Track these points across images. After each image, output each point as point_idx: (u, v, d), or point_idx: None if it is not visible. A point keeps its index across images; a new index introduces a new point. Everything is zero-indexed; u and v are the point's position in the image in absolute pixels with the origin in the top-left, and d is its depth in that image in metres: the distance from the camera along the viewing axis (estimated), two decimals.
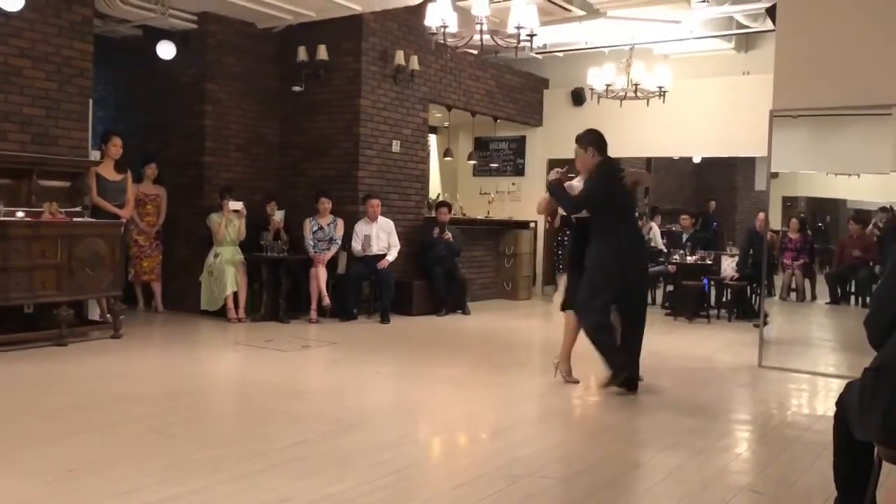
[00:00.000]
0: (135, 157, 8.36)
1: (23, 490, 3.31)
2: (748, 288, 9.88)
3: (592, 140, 5.64)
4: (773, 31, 7.43)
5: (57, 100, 7.17)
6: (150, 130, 9.06)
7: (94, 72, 7.57)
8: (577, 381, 5.74)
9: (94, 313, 7.41)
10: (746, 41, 10.76)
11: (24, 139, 6.96)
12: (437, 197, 11.59)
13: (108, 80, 9.18)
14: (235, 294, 8.32)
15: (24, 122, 6.95)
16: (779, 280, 9.68)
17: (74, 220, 6.84)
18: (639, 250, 5.77)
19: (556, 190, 5.65)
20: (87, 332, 7.01)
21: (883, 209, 9.41)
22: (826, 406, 5.39)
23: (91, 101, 7.53)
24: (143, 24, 8.57)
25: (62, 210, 6.79)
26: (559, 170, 5.80)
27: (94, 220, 7.16)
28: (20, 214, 6.45)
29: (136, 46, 9.00)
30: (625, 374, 5.42)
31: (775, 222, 9.32)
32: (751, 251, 9.57)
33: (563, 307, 5.86)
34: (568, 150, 12.27)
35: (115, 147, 7.81)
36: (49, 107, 7.13)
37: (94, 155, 7.71)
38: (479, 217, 11.44)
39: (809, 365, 6.82)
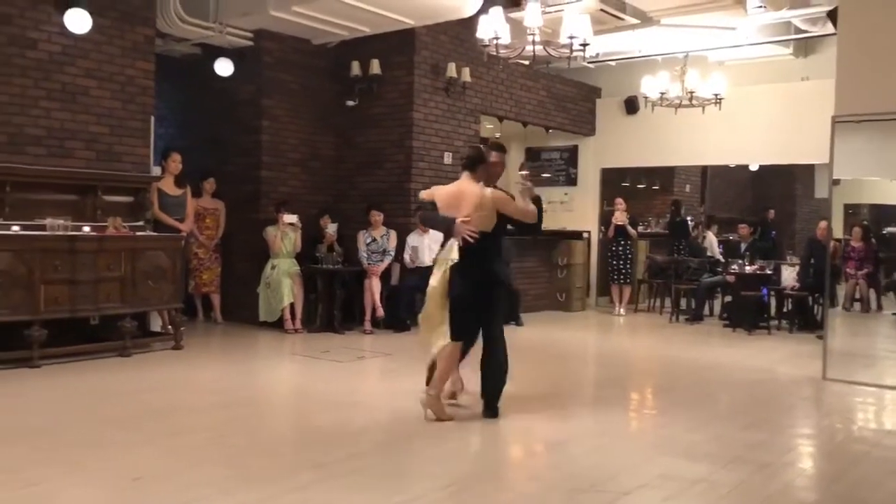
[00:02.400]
0: (194, 172, 8.57)
1: (92, 498, 3.41)
2: (810, 298, 9.63)
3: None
4: (834, 34, 7.25)
5: (121, 118, 7.39)
6: (209, 146, 9.26)
7: (155, 90, 7.79)
8: (451, 418, 4.95)
9: (156, 325, 7.59)
10: (805, 46, 10.52)
11: (89, 156, 7.19)
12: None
13: (168, 97, 9.41)
14: (292, 305, 8.45)
15: (89, 140, 7.18)
16: (842, 290, 9.40)
17: (137, 234, 7.04)
18: None
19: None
20: (150, 343, 7.18)
21: None
22: (895, 420, 5.22)
23: (153, 118, 7.74)
24: (202, 42, 8.79)
25: (125, 224, 7.00)
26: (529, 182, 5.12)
27: (155, 233, 7.36)
28: (86, 229, 6.66)
29: (195, 64, 9.22)
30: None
31: (837, 230, 9.06)
32: (812, 260, 9.33)
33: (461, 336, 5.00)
34: (622, 159, 12.27)
35: (175, 163, 8.03)
36: (113, 125, 7.35)
37: (156, 171, 7.92)
38: None
39: (876, 377, 6.60)
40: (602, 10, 8.31)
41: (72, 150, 7.06)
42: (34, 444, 4.18)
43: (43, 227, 6.40)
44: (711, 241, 11.75)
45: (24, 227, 6.30)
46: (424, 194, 5.44)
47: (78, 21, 6.84)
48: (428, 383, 4.99)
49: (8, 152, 6.61)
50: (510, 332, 9.07)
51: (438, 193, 5.17)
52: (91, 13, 6.90)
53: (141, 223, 7.28)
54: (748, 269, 9.66)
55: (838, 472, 4.10)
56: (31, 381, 5.78)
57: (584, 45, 6.41)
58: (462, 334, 4.96)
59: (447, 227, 5.04)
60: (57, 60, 6.93)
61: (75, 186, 6.97)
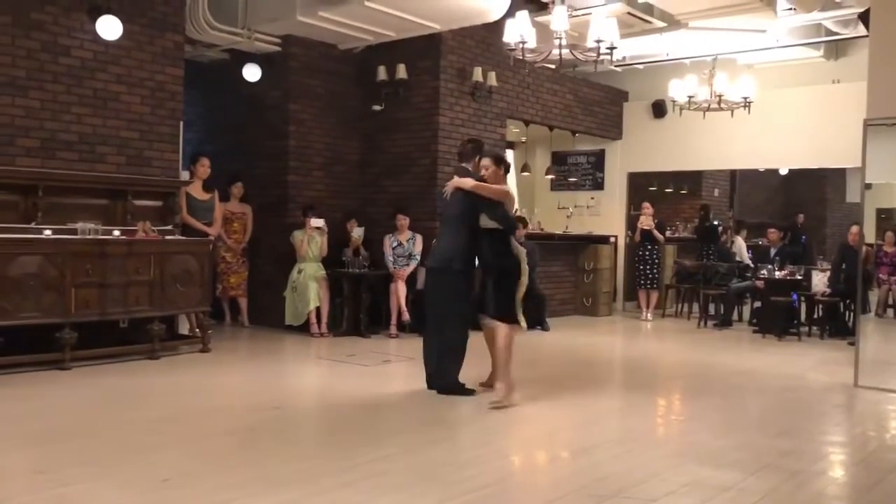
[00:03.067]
0: (222, 177, 8.65)
1: (122, 499, 3.45)
2: (841, 304, 9.48)
3: None
4: (866, 36, 7.15)
5: (150, 123, 7.48)
6: (237, 151, 9.33)
7: (184, 95, 7.87)
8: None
9: (184, 328, 7.67)
10: (836, 48, 10.39)
11: (119, 161, 7.28)
12: (514, 212, 11.55)
13: (197, 102, 9.49)
14: (318, 309, 8.49)
15: (120, 145, 7.27)
16: (874, 296, 9.24)
17: (166, 238, 7.11)
18: None
19: None
20: (178, 346, 7.26)
21: None
22: None
23: (181, 123, 7.83)
24: (230, 48, 8.87)
25: (155, 228, 7.08)
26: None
27: (184, 237, 7.44)
28: (116, 233, 6.75)
29: (224, 70, 9.31)
30: None
31: (869, 235, 8.91)
32: (843, 265, 9.19)
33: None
34: (649, 163, 12.20)
35: (204, 167, 8.11)
36: (143, 130, 7.44)
37: (184, 175, 8.01)
38: (557, 232, 11.35)
39: None
40: (629, 13, 8.26)
41: (103, 155, 7.16)
42: (65, 445, 4.23)
43: (74, 231, 6.49)
44: (740, 245, 11.63)
45: (55, 231, 6.39)
46: (488, 190, 5.55)
47: (109, 28, 6.94)
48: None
49: (41, 157, 6.73)
50: (536, 337, 9.11)
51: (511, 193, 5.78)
52: (122, 20, 6.99)
53: (170, 227, 7.35)
54: (778, 274, 9.54)
55: (872, 482, 4.03)
56: (61, 382, 5.87)
57: (611, 48, 6.39)
58: None
59: (510, 227, 5.60)
60: (88, 66, 7.03)
61: (106, 191, 7.07)
